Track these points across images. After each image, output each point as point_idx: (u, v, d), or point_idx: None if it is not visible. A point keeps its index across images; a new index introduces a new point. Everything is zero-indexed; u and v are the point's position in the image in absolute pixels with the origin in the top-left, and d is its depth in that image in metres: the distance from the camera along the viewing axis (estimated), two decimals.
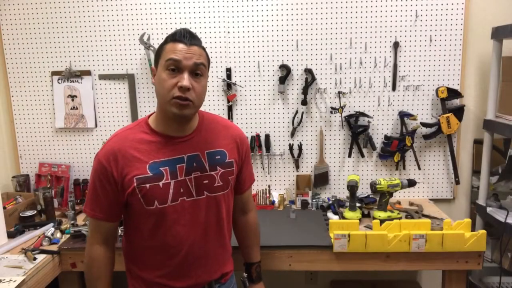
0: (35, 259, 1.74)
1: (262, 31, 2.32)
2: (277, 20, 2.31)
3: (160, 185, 1.26)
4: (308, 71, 2.32)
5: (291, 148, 2.41)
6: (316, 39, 2.32)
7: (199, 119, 1.36)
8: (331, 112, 2.34)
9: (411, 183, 2.08)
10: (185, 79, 1.19)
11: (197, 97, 1.23)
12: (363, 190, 2.38)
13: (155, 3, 2.31)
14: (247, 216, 1.56)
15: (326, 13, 2.29)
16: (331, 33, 2.31)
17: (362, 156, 2.39)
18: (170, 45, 1.22)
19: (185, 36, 1.22)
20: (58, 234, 1.97)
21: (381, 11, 2.28)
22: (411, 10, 2.27)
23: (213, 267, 1.40)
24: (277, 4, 2.29)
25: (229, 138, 1.40)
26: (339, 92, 2.33)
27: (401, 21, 2.28)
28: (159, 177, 1.26)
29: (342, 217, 2.09)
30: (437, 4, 2.26)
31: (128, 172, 1.24)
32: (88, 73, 2.39)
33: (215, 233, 1.37)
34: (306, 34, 2.31)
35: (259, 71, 2.35)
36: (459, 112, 2.30)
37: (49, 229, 2.00)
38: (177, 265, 1.33)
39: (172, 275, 1.34)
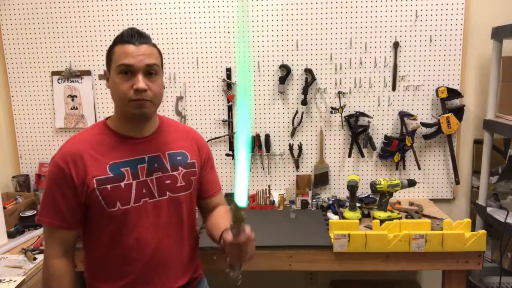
0: (35, 259, 1.74)
1: (262, 31, 2.32)
2: (277, 20, 2.31)
3: (122, 186, 1.22)
4: (308, 71, 2.32)
5: (291, 148, 2.41)
6: (316, 39, 2.32)
7: (159, 122, 1.36)
8: (331, 112, 2.34)
9: (411, 183, 2.08)
10: (140, 81, 1.18)
11: (155, 96, 1.23)
12: (363, 190, 2.38)
13: (155, 3, 2.31)
14: (216, 210, 1.48)
15: (326, 13, 2.29)
16: (331, 33, 2.31)
17: (362, 156, 2.39)
18: (118, 48, 1.20)
19: (133, 36, 1.20)
20: None
21: (381, 11, 2.28)
22: (411, 10, 2.27)
23: (179, 272, 1.35)
24: (277, 4, 2.29)
25: (190, 140, 1.40)
26: (339, 92, 2.33)
27: (401, 21, 2.28)
28: (120, 178, 1.22)
29: (342, 217, 2.09)
30: (437, 4, 2.26)
31: (87, 173, 1.20)
32: (88, 73, 2.39)
33: (179, 236, 1.33)
34: (306, 34, 2.31)
35: (259, 71, 2.35)
36: (459, 112, 2.30)
37: None
38: (140, 272, 1.27)
39: (135, 283, 1.28)
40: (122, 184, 1.23)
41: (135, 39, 1.20)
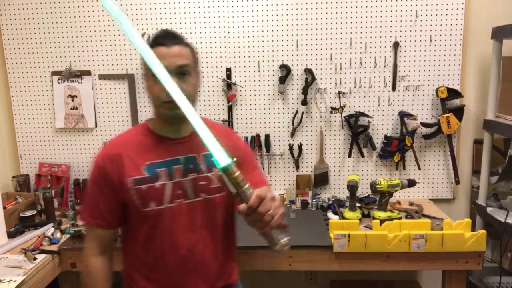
0: (35, 259, 1.74)
1: (262, 31, 2.32)
2: (277, 20, 2.31)
3: (157, 186, 1.24)
4: (308, 71, 2.32)
5: (291, 148, 2.41)
6: (316, 39, 2.32)
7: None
8: (331, 112, 2.34)
9: (411, 183, 2.08)
10: None
11: (187, 96, 1.19)
12: (363, 190, 2.38)
13: (155, 3, 2.31)
14: None
15: (326, 13, 2.29)
16: (331, 33, 2.31)
17: (362, 156, 2.39)
18: (153, 51, 1.21)
19: (165, 38, 1.22)
20: (58, 234, 1.97)
21: (381, 11, 2.28)
22: (411, 10, 2.27)
23: (213, 276, 1.32)
24: (277, 4, 2.29)
25: (226, 141, 1.35)
26: (339, 92, 2.33)
27: (401, 21, 2.28)
28: (155, 178, 1.24)
29: (342, 217, 2.09)
30: (437, 4, 2.26)
31: (125, 174, 1.23)
32: (88, 73, 2.39)
33: (213, 238, 1.31)
34: (306, 34, 2.31)
35: (259, 71, 2.35)
36: (459, 112, 2.30)
37: (49, 229, 2.00)
38: (173, 273, 1.28)
39: (169, 285, 1.29)
40: (157, 184, 1.24)
41: (167, 40, 1.21)
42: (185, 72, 1.22)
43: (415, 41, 2.30)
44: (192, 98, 1.25)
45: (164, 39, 1.22)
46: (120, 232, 1.37)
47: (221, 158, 0.99)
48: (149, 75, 1.22)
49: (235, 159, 1.00)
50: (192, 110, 1.10)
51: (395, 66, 2.32)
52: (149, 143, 1.28)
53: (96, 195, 1.27)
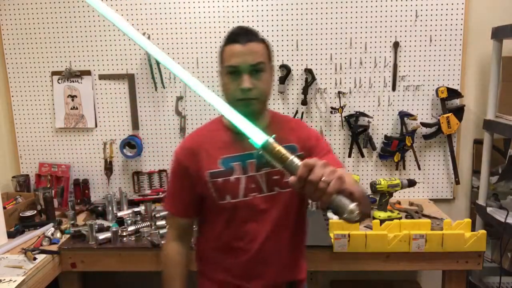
0: (35, 259, 1.74)
1: (262, 31, 2.32)
2: (277, 20, 2.31)
3: (232, 180, 1.27)
4: (308, 71, 2.32)
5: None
6: (316, 39, 2.32)
7: (270, 117, 1.35)
8: (331, 112, 2.34)
9: (411, 183, 2.08)
10: (245, 81, 1.21)
11: (261, 93, 1.24)
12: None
13: (155, 3, 2.31)
14: None
15: (326, 13, 2.29)
16: (331, 33, 2.31)
17: (362, 156, 2.39)
18: (227, 48, 1.24)
19: (240, 35, 1.23)
20: (58, 234, 1.97)
21: (381, 11, 2.28)
22: (411, 10, 2.27)
23: (283, 270, 1.34)
24: (277, 4, 2.29)
25: (298, 133, 1.35)
26: (339, 92, 2.33)
27: (401, 21, 2.28)
28: (230, 172, 1.27)
29: None
30: (437, 4, 2.26)
31: (202, 167, 1.27)
32: (88, 73, 2.39)
33: (286, 233, 1.32)
34: (306, 34, 2.31)
35: None
36: (459, 112, 2.30)
37: (49, 229, 2.00)
38: (246, 265, 1.30)
39: (239, 277, 1.32)
40: (232, 178, 1.27)
41: (242, 37, 1.22)
42: (259, 70, 1.23)
43: (415, 41, 2.30)
44: (266, 95, 1.27)
45: (238, 36, 1.22)
46: (196, 225, 1.41)
47: (257, 136, 0.96)
48: (224, 73, 1.24)
49: (274, 135, 0.96)
50: (211, 94, 1.10)
51: (395, 66, 2.32)
52: (225, 138, 1.31)
53: (176, 186, 1.33)
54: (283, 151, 0.92)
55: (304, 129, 1.37)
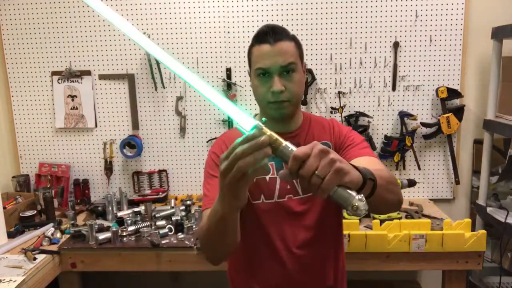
0: (35, 259, 1.74)
1: None
2: (277, 20, 2.30)
3: (267, 179, 1.22)
4: (308, 71, 2.32)
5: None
6: (316, 39, 2.31)
7: (303, 117, 1.31)
8: (331, 112, 2.34)
9: (411, 183, 2.08)
10: (275, 84, 1.15)
11: (293, 94, 1.18)
12: None
13: (155, 3, 2.31)
14: None
15: (326, 13, 2.29)
16: (331, 33, 2.31)
17: None
18: (255, 49, 1.18)
19: (268, 34, 1.15)
20: (58, 234, 1.97)
21: (381, 11, 2.28)
22: (411, 10, 2.27)
23: (325, 277, 1.25)
24: (277, 4, 2.29)
25: (329, 130, 1.30)
26: (339, 92, 2.33)
27: (401, 21, 2.28)
28: (266, 171, 1.23)
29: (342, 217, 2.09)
30: (437, 4, 2.26)
31: None
32: (88, 73, 2.39)
33: (323, 238, 1.24)
34: (306, 34, 2.31)
35: None
36: (459, 112, 2.30)
37: (49, 229, 2.00)
38: (285, 272, 1.22)
39: (281, 285, 1.23)
40: (267, 177, 1.22)
41: (270, 36, 1.15)
42: (290, 70, 1.17)
43: (415, 41, 2.30)
44: (298, 97, 1.22)
45: (266, 35, 1.16)
46: None
47: (246, 122, 0.80)
48: (254, 75, 1.19)
49: (264, 119, 0.81)
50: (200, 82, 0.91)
51: (395, 66, 2.32)
52: None
53: (209, 183, 1.24)
54: (275, 136, 0.78)
55: (336, 126, 1.31)
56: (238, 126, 0.81)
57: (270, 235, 1.22)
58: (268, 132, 0.78)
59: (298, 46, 1.22)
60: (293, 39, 1.20)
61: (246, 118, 0.80)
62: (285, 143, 0.78)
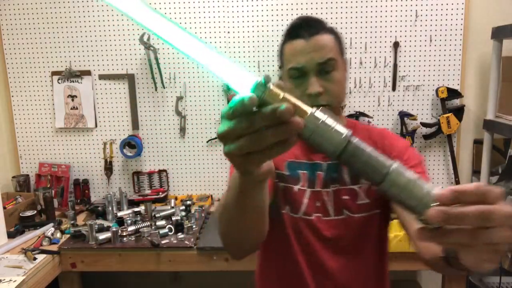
0: (35, 259, 1.74)
1: (262, 31, 2.32)
2: (277, 20, 2.31)
3: (296, 190, 1.04)
4: None
5: None
6: None
7: (347, 125, 1.01)
8: None
9: None
10: (312, 85, 0.97)
11: (333, 97, 0.99)
12: None
13: (155, 3, 2.31)
14: None
15: (326, 13, 2.29)
16: None
17: None
18: (287, 47, 1.03)
19: (302, 27, 1.00)
20: (58, 234, 1.97)
21: (381, 11, 2.28)
22: (411, 10, 2.27)
23: None
24: (277, 4, 2.29)
25: (380, 144, 1.06)
26: None
27: (401, 21, 2.28)
28: (295, 180, 1.05)
29: None
30: (437, 4, 2.26)
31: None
32: (88, 73, 2.39)
33: (361, 267, 1.05)
34: None
35: (259, 71, 2.35)
36: (459, 112, 2.30)
37: (49, 229, 2.00)
38: None
39: None
40: (296, 188, 1.05)
41: (304, 30, 0.99)
42: (329, 68, 0.99)
43: (415, 41, 2.30)
44: (339, 99, 1.03)
45: (300, 29, 1.00)
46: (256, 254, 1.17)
47: (247, 80, 0.52)
48: (287, 77, 1.02)
49: (266, 75, 0.51)
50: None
51: (395, 66, 2.32)
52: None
53: None
54: (294, 100, 0.49)
55: (387, 138, 1.09)
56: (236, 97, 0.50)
57: (297, 258, 1.04)
58: (282, 93, 0.49)
59: (338, 39, 1.03)
60: (332, 31, 1.02)
61: (247, 76, 0.53)
62: (313, 110, 0.50)
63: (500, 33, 2.06)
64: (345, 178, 1.04)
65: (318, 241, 1.03)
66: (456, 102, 2.33)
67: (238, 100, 0.48)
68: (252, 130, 0.48)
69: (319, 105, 0.92)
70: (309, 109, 0.50)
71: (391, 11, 2.28)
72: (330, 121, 0.50)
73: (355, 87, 2.35)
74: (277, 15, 2.30)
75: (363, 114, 2.32)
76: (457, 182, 2.36)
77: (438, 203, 0.47)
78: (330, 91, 0.98)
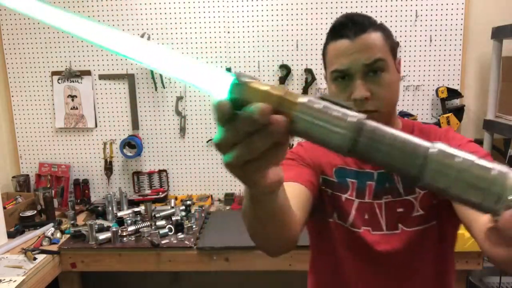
0: (35, 259, 1.74)
1: (262, 31, 2.32)
2: (277, 20, 2.31)
3: (343, 199, 0.97)
4: (308, 71, 2.32)
5: (291, 148, 2.40)
6: (316, 39, 2.31)
7: (403, 127, 1.00)
8: None
9: None
10: (358, 89, 0.87)
11: (382, 102, 0.89)
12: None
13: (155, 3, 2.31)
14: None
15: (326, 13, 2.29)
16: None
17: None
18: (331, 47, 0.92)
19: (347, 26, 0.90)
20: (58, 234, 1.97)
21: (381, 11, 2.28)
22: (411, 10, 2.27)
23: None
24: (277, 4, 2.29)
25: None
26: None
27: (401, 21, 2.28)
28: (344, 188, 0.97)
29: None
30: (437, 4, 2.26)
31: (320, 163, 0.98)
32: (88, 73, 2.39)
33: (423, 279, 0.96)
34: (306, 34, 2.31)
35: (259, 71, 2.35)
36: (459, 112, 2.30)
37: (49, 229, 2.00)
38: None
39: None
40: (344, 197, 0.97)
41: (349, 30, 0.89)
42: (377, 70, 0.88)
43: (415, 41, 2.30)
44: (390, 104, 0.92)
45: (344, 28, 0.90)
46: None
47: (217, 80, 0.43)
48: (331, 79, 0.93)
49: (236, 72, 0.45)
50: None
51: None
52: None
53: (291, 165, 0.97)
54: (278, 92, 0.41)
55: (447, 138, 0.96)
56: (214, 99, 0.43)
57: (343, 270, 0.98)
58: (263, 88, 0.41)
59: (388, 37, 0.92)
60: (381, 28, 0.91)
61: (220, 75, 0.43)
62: (308, 100, 0.41)
63: (500, 33, 2.06)
64: (399, 189, 0.95)
65: (368, 259, 0.95)
66: (456, 102, 2.33)
67: (213, 106, 0.42)
68: (241, 137, 0.41)
69: (366, 111, 0.86)
70: (299, 99, 0.40)
71: (391, 11, 2.28)
72: (330, 107, 0.40)
73: None
74: (277, 15, 2.30)
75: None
76: None
77: None
78: (378, 95, 0.88)
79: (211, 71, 0.43)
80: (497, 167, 0.36)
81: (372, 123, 0.40)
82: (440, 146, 0.38)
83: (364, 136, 0.39)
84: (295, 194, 0.86)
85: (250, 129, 0.41)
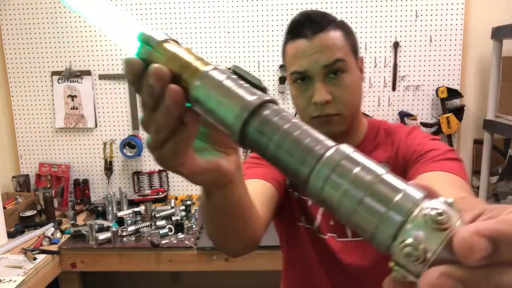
0: (35, 259, 1.74)
1: (262, 31, 2.32)
2: (277, 20, 2.31)
3: (309, 203, 0.94)
4: None
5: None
6: None
7: (369, 129, 0.97)
8: None
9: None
10: (318, 93, 0.83)
11: (344, 104, 0.85)
12: None
13: (154, 3, 2.31)
14: None
15: None
16: None
17: None
18: (290, 47, 0.87)
19: (304, 25, 0.86)
20: (58, 234, 1.97)
21: (381, 11, 2.28)
22: (411, 10, 2.27)
23: None
24: (277, 4, 2.29)
25: (392, 145, 0.93)
26: None
27: (401, 21, 2.28)
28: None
29: None
30: (437, 4, 2.26)
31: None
32: (88, 73, 2.39)
33: None
34: None
35: (259, 71, 2.35)
36: (459, 112, 2.30)
37: (49, 229, 2.00)
38: None
39: None
40: (309, 201, 0.94)
41: (307, 28, 0.85)
42: (337, 71, 0.84)
43: (415, 41, 2.30)
44: (352, 106, 0.88)
45: (301, 27, 0.85)
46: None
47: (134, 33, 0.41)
48: (291, 81, 0.88)
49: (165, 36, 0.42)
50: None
51: (395, 66, 2.32)
52: None
53: (254, 167, 0.91)
54: (188, 57, 0.40)
55: (410, 136, 0.92)
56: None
57: (316, 279, 0.96)
58: (175, 49, 0.39)
59: (349, 35, 0.88)
60: (340, 26, 0.88)
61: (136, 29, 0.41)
62: (214, 68, 0.39)
63: (500, 33, 2.06)
64: None
65: (335, 269, 0.93)
66: (456, 102, 2.34)
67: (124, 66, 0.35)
68: (149, 109, 0.37)
69: (327, 115, 0.83)
70: (204, 67, 0.36)
71: (391, 11, 2.28)
72: (234, 79, 0.34)
73: None
74: (277, 15, 2.30)
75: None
76: None
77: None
78: (339, 98, 0.84)
79: (133, 25, 0.39)
80: (408, 189, 0.27)
81: (273, 107, 0.33)
82: (343, 148, 0.30)
83: (257, 120, 0.33)
84: (259, 191, 0.83)
85: (149, 99, 0.36)
